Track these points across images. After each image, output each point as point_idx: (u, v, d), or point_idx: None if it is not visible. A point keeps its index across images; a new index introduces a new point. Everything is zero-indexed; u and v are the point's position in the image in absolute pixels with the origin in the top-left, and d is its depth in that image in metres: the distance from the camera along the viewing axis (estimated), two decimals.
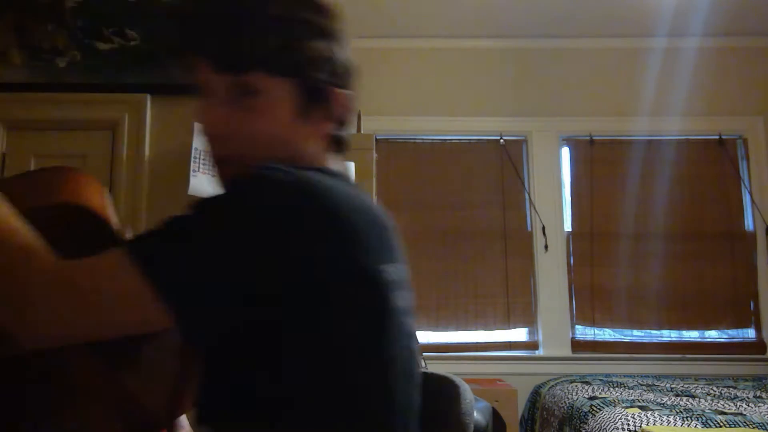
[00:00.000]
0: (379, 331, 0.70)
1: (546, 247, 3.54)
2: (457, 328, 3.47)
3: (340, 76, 0.76)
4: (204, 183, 1.90)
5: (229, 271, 0.62)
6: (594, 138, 3.68)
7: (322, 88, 0.74)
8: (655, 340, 3.53)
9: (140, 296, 0.60)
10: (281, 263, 0.62)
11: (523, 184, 3.65)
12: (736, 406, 2.36)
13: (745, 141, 3.69)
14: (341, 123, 0.78)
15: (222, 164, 0.74)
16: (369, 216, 0.71)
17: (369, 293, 0.68)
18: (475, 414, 0.83)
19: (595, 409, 2.36)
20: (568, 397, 2.67)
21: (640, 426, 2.05)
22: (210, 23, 0.71)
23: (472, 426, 0.84)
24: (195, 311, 0.62)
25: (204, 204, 0.65)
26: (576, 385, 2.84)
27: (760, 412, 2.22)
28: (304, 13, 0.73)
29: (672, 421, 2.07)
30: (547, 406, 2.88)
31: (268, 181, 0.64)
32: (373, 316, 0.69)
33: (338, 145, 0.79)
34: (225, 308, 0.64)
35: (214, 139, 0.72)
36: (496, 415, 2.55)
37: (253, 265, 0.62)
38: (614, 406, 2.30)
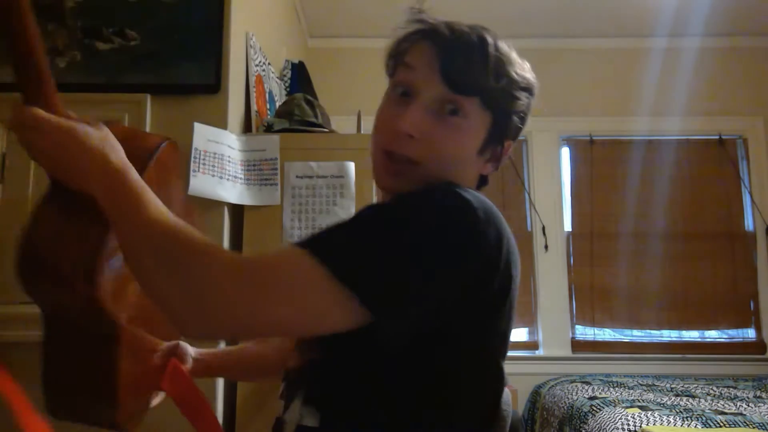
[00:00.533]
0: (508, 334, 0.80)
1: (546, 247, 3.54)
2: None
3: (517, 130, 0.86)
4: (204, 183, 1.90)
5: (427, 276, 0.66)
6: (594, 138, 3.68)
7: (505, 133, 0.84)
8: (655, 340, 3.53)
9: (328, 297, 0.63)
10: (468, 273, 0.69)
11: (523, 184, 3.65)
12: (736, 406, 2.36)
13: (745, 141, 3.69)
14: (496, 168, 0.88)
15: (399, 163, 0.78)
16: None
17: (511, 302, 0.78)
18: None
19: (595, 409, 2.36)
20: (568, 397, 2.67)
21: (640, 426, 2.05)
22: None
23: (510, 414, 0.85)
24: (391, 312, 0.66)
25: (399, 207, 0.71)
26: (576, 385, 2.84)
27: (760, 412, 2.22)
28: (526, 74, 0.84)
29: (672, 421, 2.07)
30: (547, 406, 2.88)
31: (462, 195, 0.72)
32: (509, 321, 0.79)
33: (481, 185, 0.89)
34: (417, 311, 0.68)
35: (406, 139, 0.76)
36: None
37: (448, 271, 0.67)
38: (614, 406, 2.30)
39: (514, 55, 0.84)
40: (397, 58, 0.84)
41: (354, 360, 0.72)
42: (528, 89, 0.83)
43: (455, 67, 0.77)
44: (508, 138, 0.85)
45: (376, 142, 0.80)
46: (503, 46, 0.83)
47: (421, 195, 0.72)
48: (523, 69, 0.84)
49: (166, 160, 0.81)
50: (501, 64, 0.80)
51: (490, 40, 0.81)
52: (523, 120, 0.85)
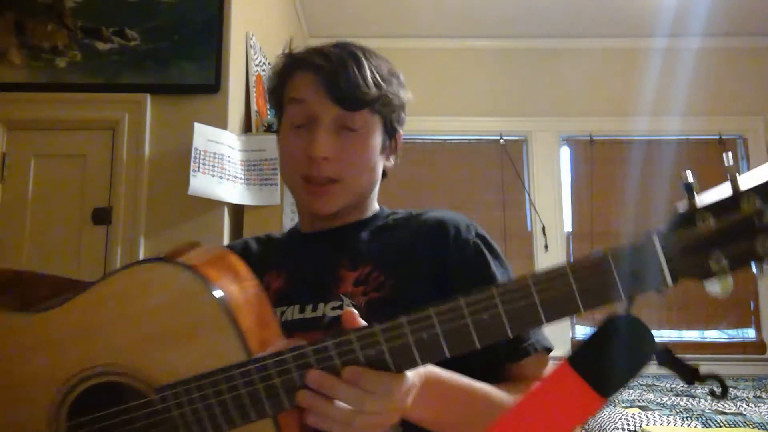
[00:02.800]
0: None
1: (546, 247, 3.54)
2: None
3: (402, 119, 0.94)
4: (204, 183, 1.90)
5: None
6: (594, 138, 3.68)
7: (394, 127, 0.92)
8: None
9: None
10: None
11: (523, 184, 3.65)
12: (736, 406, 2.36)
13: (745, 141, 3.69)
14: (396, 158, 0.96)
15: (321, 185, 0.85)
16: None
17: None
18: None
19: None
20: None
21: (640, 426, 2.05)
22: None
23: None
24: None
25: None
26: None
27: (760, 412, 2.22)
28: (392, 70, 0.91)
29: (672, 421, 2.07)
30: None
31: None
32: None
33: (383, 178, 0.95)
34: None
35: (322, 162, 0.84)
36: None
37: None
38: (614, 406, 2.30)
39: (378, 58, 0.90)
40: (280, 95, 0.90)
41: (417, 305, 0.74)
42: (399, 82, 0.91)
43: (341, 88, 0.83)
44: (396, 130, 0.93)
45: (291, 173, 0.88)
46: (369, 53, 0.89)
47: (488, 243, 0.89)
48: (389, 66, 0.90)
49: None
50: (375, 72, 0.86)
51: (359, 53, 0.87)
52: (403, 108, 0.93)
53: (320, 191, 0.85)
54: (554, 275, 0.57)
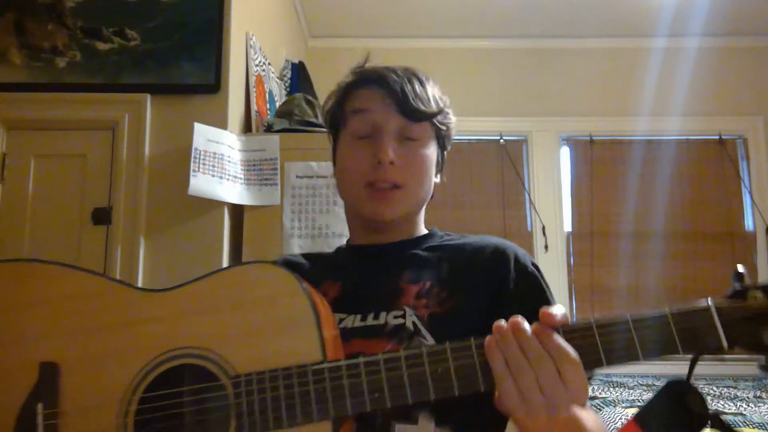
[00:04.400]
0: None
1: (546, 247, 3.54)
2: None
3: (450, 140, 1.00)
4: (204, 183, 1.90)
5: None
6: (594, 138, 3.68)
7: (446, 145, 0.98)
8: None
9: None
10: None
11: (523, 184, 3.65)
12: (736, 406, 2.36)
13: (745, 141, 3.69)
14: (443, 176, 1.01)
15: (384, 191, 0.89)
16: None
17: None
18: None
19: (594, 409, 2.36)
20: None
21: None
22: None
23: None
24: None
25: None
26: None
27: (760, 412, 2.22)
28: (443, 95, 0.97)
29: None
30: None
31: None
32: None
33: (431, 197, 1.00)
34: None
35: (389, 167, 0.88)
36: None
37: None
38: (614, 406, 2.30)
39: (433, 84, 0.97)
40: (344, 108, 0.95)
41: (478, 322, 0.78)
42: (448, 106, 0.97)
43: (406, 100, 0.88)
44: (446, 148, 0.99)
45: (355, 180, 0.90)
46: (428, 77, 0.97)
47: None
48: (441, 92, 0.97)
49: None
50: (436, 92, 0.94)
51: (421, 75, 0.94)
52: (451, 130, 0.99)
53: (384, 197, 0.88)
54: (620, 322, 0.63)
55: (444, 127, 0.96)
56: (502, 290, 0.86)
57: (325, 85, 0.93)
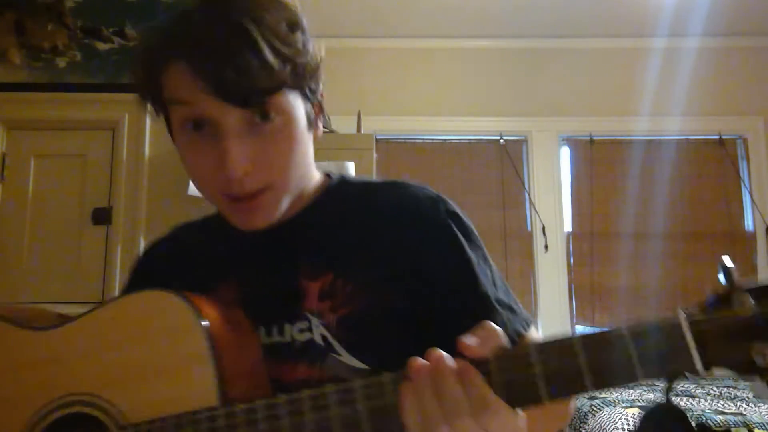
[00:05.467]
0: None
1: (546, 247, 3.54)
2: None
3: (319, 76, 0.73)
4: None
5: None
6: (594, 138, 3.68)
7: (316, 93, 0.73)
8: None
9: None
10: None
11: (523, 184, 3.65)
12: (736, 406, 2.36)
13: (745, 141, 3.69)
14: (324, 123, 0.79)
15: (253, 199, 0.69)
16: None
17: None
18: None
19: (595, 409, 2.36)
20: None
21: None
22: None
23: None
24: None
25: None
26: None
27: (760, 412, 2.22)
28: (291, 18, 0.69)
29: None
30: None
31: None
32: None
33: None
34: None
35: (244, 178, 0.66)
36: None
37: None
38: (614, 406, 2.30)
39: (272, 10, 0.67)
40: (159, 89, 0.69)
41: (397, 317, 0.70)
42: (305, 35, 0.70)
43: (230, 84, 0.62)
44: (316, 91, 0.73)
45: (209, 192, 0.71)
46: (259, 7, 0.66)
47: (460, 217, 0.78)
48: (289, 16, 0.69)
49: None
50: (275, 40, 0.64)
51: (249, 24, 0.63)
52: (319, 66, 0.72)
53: (250, 206, 0.69)
54: (565, 346, 0.52)
55: (304, 77, 0.68)
56: (417, 262, 0.71)
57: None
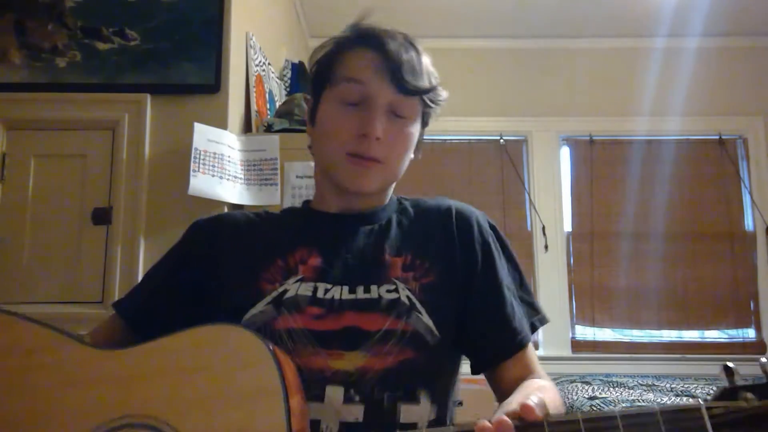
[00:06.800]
0: None
1: (546, 247, 3.54)
2: None
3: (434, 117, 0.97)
4: (204, 183, 1.90)
5: None
6: (594, 138, 3.68)
7: (428, 123, 0.96)
8: (655, 340, 3.53)
9: None
10: None
11: (523, 184, 3.65)
12: None
13: (745, 141, 3.69)
14: (419, 154, 0.99)
15: (366, 165, 0.87)
16: None
17: None
18: None
19: (595, 409, 2.35)
20: (568, 397, 2.67)
21: None
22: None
23: None
24: None
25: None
26: (576, 385, 2.84)
27: None
28: (433, 67, 0.93)
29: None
30: None
31: None
32: None
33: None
34: None
35: (374, 142, 0.86)
36: None
37: None
38: (614, 407, 2.30)
39: (426, 55, 0.92)
40: (334, 68, 0.90)
41: (448, 353, 0.85)
42: (438, 82, 0.92)
43: (402, 72, 0.85)
44: (427, 125, 0.96)
45: (335, 147, 0.88)
46: (420, 46, 0.92)
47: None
48: (432, 65, 0.93)
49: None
50: (427, 65, 0.91)
51: (417, 43, 0.91)
52: (438, 109, 0.94)
53: (365, 169, 0.87)
54: (608, 417, 0.61)
55: (432, 105, 0.92)
56: (471, 256, 0.89)
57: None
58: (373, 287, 0.83)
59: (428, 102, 0.90)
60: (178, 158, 1.95)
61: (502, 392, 0.84)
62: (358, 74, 0.87)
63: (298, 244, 0.88)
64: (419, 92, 0.87)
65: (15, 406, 0.64)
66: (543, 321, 0.92)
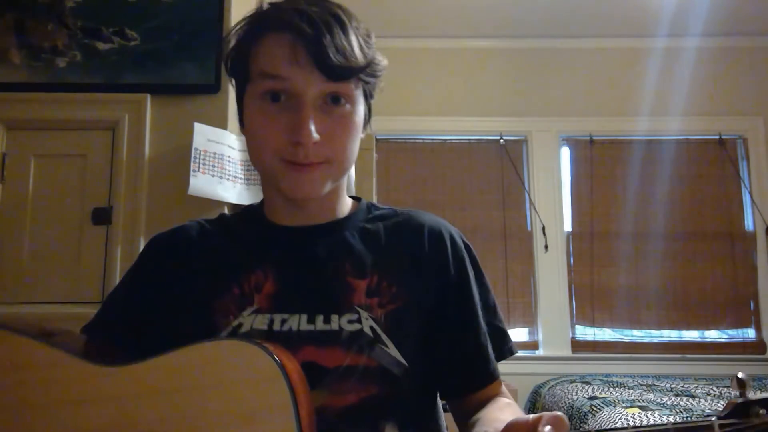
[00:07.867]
0: None
1: (546, 247, 3.54)
2: None
3: (379, 86, 0.85)
4: (204, 183, 1.90)
5: None
6: (594, 138, 3.68)
7: (372, 96, 0.84)
8: (655, 340, 3.53)
9: None
10: None
11: (523, 184, 3.65)
12: None
13: (745, 141, 3.69)
14: (367, 128, 0.88)
15: (312, 171, 0.77)
16: None
17: None
18: None
19: (595, 409, 2.36)
20: (568, 397, 2.67)
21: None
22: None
23: None
24: None
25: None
26: (576, 385, 2.84)
27: None
28: (367, 30, 0.82)
29: (672, 421, 2.07)
30: (547, 406, 2.88)
31: None
32: None
33: None
34: None
35: (311, 145, 0.75)
36: None
37: None
38: (614, 406, 2.30)
39: (355, 17, 0.80)
40: (248, 62, 0.77)
41: (419, 380, 0.79)
42: (374, 49, 0.81)
43: (329, 56, 0.72)
44: (373, 97, 0.85)
45: (269, 156, 0.76)
46: (347, 11, 0.80)
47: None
48: (365, 27, 0.82)
49: None
50: (360, 36, 0.78)
51: (341, 13, 0.77)
52: (380, 76, 0.83)
53: (308, 174, 0.76)
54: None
55: (373, 79, 0.80)
56: (444, 279, 0.83)
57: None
58: (334, 317, 0.75)
59: (366, 77, 0.78)
60: (178, 158, 1.95)
61: (464, 412, 0.82)
62: (277, 68, 0.74)
63: (253, 266, 0.80)
64: (353, 73, 0.75)
65: (12, 425, 0.63)
66: (512, 351, 0.86)
